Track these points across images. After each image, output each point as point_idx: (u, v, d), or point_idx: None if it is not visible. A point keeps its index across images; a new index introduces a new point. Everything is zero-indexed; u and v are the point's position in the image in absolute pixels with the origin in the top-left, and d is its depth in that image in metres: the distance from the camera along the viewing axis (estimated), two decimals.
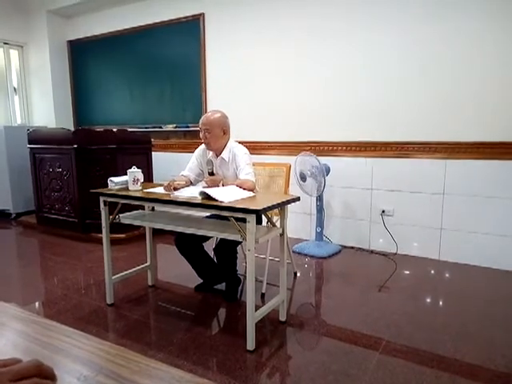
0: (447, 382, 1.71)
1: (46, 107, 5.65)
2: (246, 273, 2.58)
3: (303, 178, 3.38)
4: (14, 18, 5.44)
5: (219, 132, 2.46)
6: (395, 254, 3.46)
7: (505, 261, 3.05)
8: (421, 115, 3.28)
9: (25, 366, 0.45)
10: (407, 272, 3.13)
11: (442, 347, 1.98)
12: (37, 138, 4.37)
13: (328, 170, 3.47)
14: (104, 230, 2.43)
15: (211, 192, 2.04)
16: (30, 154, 4.43)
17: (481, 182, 3.10)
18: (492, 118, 3.02)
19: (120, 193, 2.32)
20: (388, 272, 3.08)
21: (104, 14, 5.15)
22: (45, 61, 5.50)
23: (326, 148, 3.69)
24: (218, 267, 2.63)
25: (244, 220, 1.86)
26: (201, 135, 2.47)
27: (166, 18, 4.58)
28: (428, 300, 2.65)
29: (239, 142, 2.59)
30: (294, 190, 3.27)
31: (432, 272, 3.11)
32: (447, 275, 3.07)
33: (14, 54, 5.64)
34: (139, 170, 2.39)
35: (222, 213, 2.00)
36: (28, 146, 4.42)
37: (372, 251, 3.57)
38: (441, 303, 2.62)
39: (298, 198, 2.21)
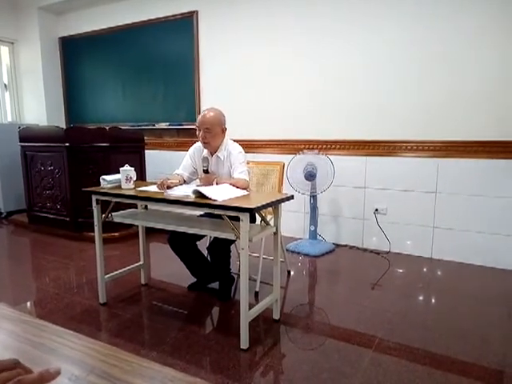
0: (440, 379, 1.72)
1: (37, 105, 5.59)
2: (239, 271, 2.57)
3: (312, 176, 3.37)
4: (5, 14, 5.37)
5: (219, 131, 2.44)
6: (388, 252, 3.48)
7: (497, 259, 3.08)
8: (414, 114, 3.30)
9: (2, 363, 0.44)
10: (400, 270, 3.14)
11: (435, 345, 1.99)
12: (28, 135, 4.32)
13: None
14: (96, 229, 2.41)
15: (204, 190, 2.03)
16: (21, 152, 4.38)
17: (473, 181, 3.13)
18: (485, 117, 3.05)
19: (113, 191, 2.30)
20: (381, 270, 3.10)
21: (96, 11, 5.10)
22: (36, 58, 5.44)
23: (319, 146, 3.70)
24: (212, 266, 2.62)
25: (237, 218, 1.85)
26: (199, 134, 2.43)
27: (158, 16, 4.55)
28: (421, 298, 2.66)
29: (233, 141, 2.58)
30: (288, 189, 3.27)
31: (425, 270, 3.13)
32: (440, 273, 3.09)
33: (4, 50, 5.57)
34: (132, 169, 2.37)
35: (215, 211, 1.99)
36: (19, 143, 4.37)
37: (365, 249, 3.59)
38: (434, 301, 2.64)
39: (292, 197, 2.21)
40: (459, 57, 3.09)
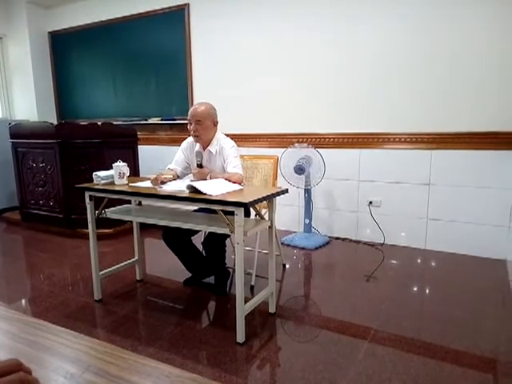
0: (434, 368, 1.75)
1: (27, 100, 5.51)
2: (234, 266, 2.57)
3: (302, 169, 3.36)
4: None
5: (210, 124, 2.44)
6: (382, 244, 3.50)
7: (490, 249, 3.11)
8: (406, 106, 3.31)
9: (4, 364, 0.43)
10: (394, 262, 3.17)
11: (429, 334, 2.02)
12: (19, 132, 4.27)
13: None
14: (90, 226, 2.39)
15: (198, 185, 2.02)
16: (12, 149, 4.33)
17: (466, 172, 3.15)
18: (477, 109, 3.06)
19: (106, 187, 2.28)
20: (376, 262, 3.12)
21: (85, 5, 5.02)
22: (25, 53, 5.35)
23: (313, 140, 3.69)
24: (207, 261, 2.62)
25: (232, 213, 1.85)
26: (190, 127, 2.43)
27: (149, 9, 4.49)
28: (415, 289, 2.69)
29: (226, 135, 2.57)
30: (282, 183, 3.27)
31: (419, 261, 3.16)
32: (433, 264, 3.12)
33: None
34: (125, 164, 2.35)
35: (209, 206, 1.99)
36: (10, 140, 4.32)
37: (360, 242, 3.61)
38: (428, 292, 2.66)
39: (286, 191, 2.21)
40: (453, 48, 3.08)
